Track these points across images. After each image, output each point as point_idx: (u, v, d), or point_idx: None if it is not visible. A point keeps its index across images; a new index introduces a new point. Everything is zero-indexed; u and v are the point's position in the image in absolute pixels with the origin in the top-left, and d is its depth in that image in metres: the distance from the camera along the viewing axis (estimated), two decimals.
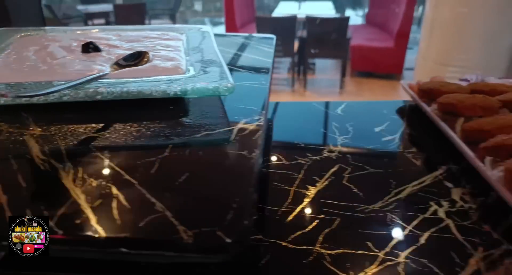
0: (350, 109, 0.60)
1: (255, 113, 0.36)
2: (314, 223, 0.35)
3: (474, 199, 0.38)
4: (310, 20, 3.38)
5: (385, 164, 0.45)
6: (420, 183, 0.41)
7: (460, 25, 2.24)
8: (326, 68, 4.14)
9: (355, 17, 5.97)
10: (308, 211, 0.37)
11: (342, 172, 0.43)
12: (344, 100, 0.63)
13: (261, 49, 0.58)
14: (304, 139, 0.51)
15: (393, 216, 0.36)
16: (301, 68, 3.69)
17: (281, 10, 4.45)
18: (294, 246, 0.33)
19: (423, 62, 2.57)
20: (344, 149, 0.48)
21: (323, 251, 0.32)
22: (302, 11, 4.15)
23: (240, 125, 0.33)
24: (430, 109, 0.51)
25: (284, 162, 0.46)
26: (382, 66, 3.60)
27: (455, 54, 2.28)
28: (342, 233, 0.34)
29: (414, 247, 0.33)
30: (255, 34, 0.67)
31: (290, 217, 0.36)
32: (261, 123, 0.34)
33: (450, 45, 2.30)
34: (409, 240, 0.33)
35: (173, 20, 4.88)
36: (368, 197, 0.39)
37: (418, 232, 0.34)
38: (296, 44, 3.56)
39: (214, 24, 7.01)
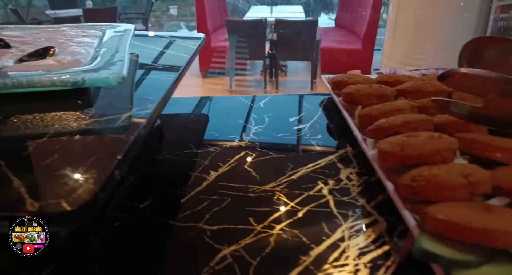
0: (272, 102, 0.63)
1: (149, 102, 0.38)
2: (205, 203, 0.38)
3: (359, 177, 0.42)
4: (280, 23, 3.43)
5: (288, 150, 0.48)
6: (315, 165, 0.44)
7: (420, 27, 2.32)
8: (297, 70, 4.20)
9: (328, 20, 6.10)
10: (203, 193, 0.39)
11: (246, 158, 0.46)
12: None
13: (185, 46, 0.60)
14: (221, 129, 0.54)
15: (281, 195, 0.39)
16: (273, 70, 3.74)
17: (253, 14, 4.50)
18: (180, 224, 0.35)
19: (387, 63, 2.65)
20: (255, 137, 0.51)
21: (206, 227, 0.35)
22: (274, 15, 4.21)
23: (129, 113, 0.36)
24: (338, 100, 0.54)
25: (194, 150, 0.48)
26: (351, 67, 3.63)
27: (416, 55, 2.37)
28: (229, 211, 0.37)
29: (290, 220, 0.35)
30: (187, 33, 0.69)
31: (185, 199, 0.39)
32: (149, 111, 0.36)
33: (411, 47, 2.38)
34: (288, 214, 0.36)
35: (146, 24, 4.85)
36: (264, 179, 0.42)
37: (298, 207, 0.37)
38: (267, 47, 3.61)
39: (190, 28, 7.00)
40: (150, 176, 0.44)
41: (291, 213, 0.36)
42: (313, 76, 3.57)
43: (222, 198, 0.39)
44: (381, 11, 3.78)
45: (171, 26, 7.50)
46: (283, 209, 0.37)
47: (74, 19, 4.38)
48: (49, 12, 4.63)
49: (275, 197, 0.39)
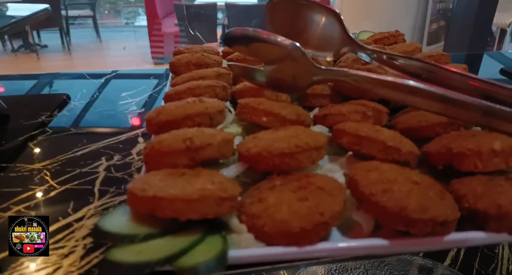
0: (118, 78, 0.58)
1: None
2: None
3: None
4: (230, 7, 3.36)
5: (94, 125, 0.44)
6: (113, 140, 0.40)
7: (365, 7, 2.33)
8: None
9: None
10: None
11: (39, 135, 0.41)
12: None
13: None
14: (42, 106, 0.49)
15: (47, 173, 0.35)
16: None
17: None
18: None
19: None
20: (66, 113, 0.46)
21: None
22: None
23: None
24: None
25: None
26: None
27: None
28: None
29: (36, 201, 0.31)
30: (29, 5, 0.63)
31: None
32: None
33: (356, 28, 2.37)
34: (39, 194, 0.32)
35: (93, 10, 4.61)
36: (42, 156, 0.37)
37: (57, 186, 0.33)
38: (219, 32, 3.53)
39: None
40: None
41: (43, 193, 0.32)
42: None
43: None
44: None
45: (129, 12, 7.21)
46: (37, 188, 0.33)
47: None
48: None
49: (38, 176, 0.34)
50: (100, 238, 0.22)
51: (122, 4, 7.67)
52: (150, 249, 0.21)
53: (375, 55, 0.35)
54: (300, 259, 0.22)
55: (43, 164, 0.36)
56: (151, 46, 3.87)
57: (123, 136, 0.41)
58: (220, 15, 3.79)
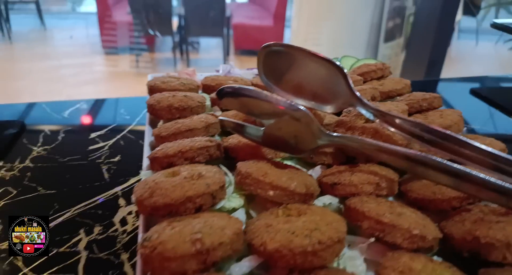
0: (85, 109, 0.52)
1: None
2: None
3: (138, 219, 0.34)
4: None
5: (63, 182, 0.38)
6: (90, 203, 0.35)
7: (324, 5, 2.31)
8: (210, 47, 4.05)
9: None
10: None
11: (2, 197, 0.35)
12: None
13: None
14: None
15: (16, 257, 0.29)
16: (184, 47, 3.53)
17: None
18: None
19: (295, 40, 2.63)
20: (31, 165, 0.40)
21: None
22: None
23: None
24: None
25: None
26: (263, 44, 3.63)
27: (320, 33, 2.36)
28: None
29: None
30: None
31: None
32: None
33: (316, 24, 2.38)
34: None
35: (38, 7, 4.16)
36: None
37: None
38: (176, 22, 3.40)
39: None
40: None
41: None
42: (226, 53, 3.44)
43: None
44: None
45: (75, 1, 6.68)
46: None
47: None
48: None
49: (7, 261, 0.29)
50: None
51: None
52: None
53: (378, 114, 0.33)
54: None
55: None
56: (102, 35, 3.64)
57: (100, 198, 0.36)
58: (175, 3, 3.65)
